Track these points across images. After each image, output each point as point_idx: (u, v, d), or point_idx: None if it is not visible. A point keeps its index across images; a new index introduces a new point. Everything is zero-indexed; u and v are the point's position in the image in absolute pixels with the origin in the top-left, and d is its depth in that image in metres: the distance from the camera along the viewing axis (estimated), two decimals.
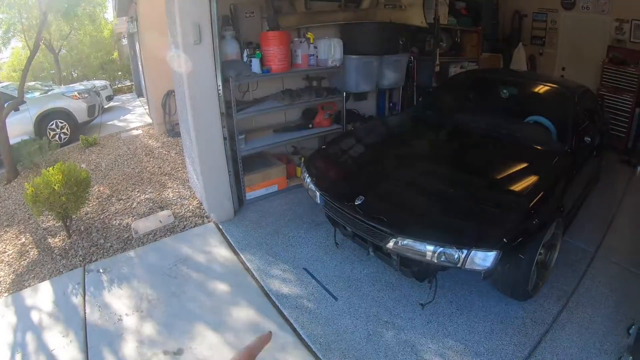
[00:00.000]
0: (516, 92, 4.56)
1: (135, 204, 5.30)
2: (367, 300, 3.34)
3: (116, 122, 11.19)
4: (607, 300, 3.34)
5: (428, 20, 5.72)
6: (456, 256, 2.61)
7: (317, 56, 4.96)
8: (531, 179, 3.14)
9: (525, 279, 3.03)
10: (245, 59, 4.46)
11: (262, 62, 4.49)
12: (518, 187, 3.09)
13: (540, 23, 8.29)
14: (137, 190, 5.76)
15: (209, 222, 4.63)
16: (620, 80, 6.76)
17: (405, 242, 2.78)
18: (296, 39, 4.83)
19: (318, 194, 3.44)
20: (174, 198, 5.36)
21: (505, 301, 3.29)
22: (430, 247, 2.68)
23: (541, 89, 4.53)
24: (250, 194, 4.84)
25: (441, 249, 2.65)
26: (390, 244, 2.84)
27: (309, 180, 3.62)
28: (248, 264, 3.84)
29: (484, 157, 3.75)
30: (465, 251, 2.60)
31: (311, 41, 4.80)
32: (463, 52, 7.34)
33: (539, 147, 3.75)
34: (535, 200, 2.89)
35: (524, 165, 3.41)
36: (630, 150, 6.61)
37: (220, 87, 4.15)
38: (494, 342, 2.93)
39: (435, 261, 2.68)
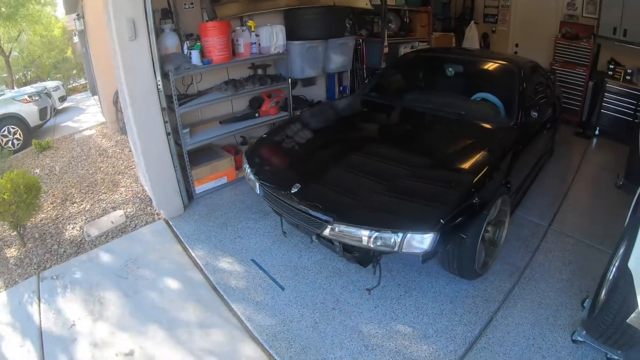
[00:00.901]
0: (463, 70, 4.52)
1: (89, 206, 5.16)
2: (314, 288, 3.31)
3: (70, 123, 10.86)
4: (561, 274, 3.37)
5: (375, 2, 5.65)
6: (392, 240, 2.56)
7: (259, 44, 4.83)
8: (474, 157, 3.10)
9: (471, 259, 2.99)
10: (185, 51, 4.32)
11: (202, 54, 4.36)
12: (459, 165, 3.06)
13: (493, 1, 8.33)
14: (91, 192, 5.60)
15: (159, 219, 4.52)
16: (573, 54, 6.86)
17: (341, 228, 2.71)
18: (238, 28, 4.70)
19: (257, 184, 3.34)
20: (127, 197, 5.24)
21: (456, 281, 3.29)
22: (365, 232, 2.62)
23: (489, 66, 4.51)
24: (199, 188, 4.74)
25: (377, 233, 2.59)
26: (327, 231, 2.77)
27: (249, 170, 3.51)
28: (197, 260, 3.77)
29: (429, 137, 3.71)
30: (400, 234, 2.54)
31: (252, 29, 4.68)
32: (413, 33, 7.31)
33: (485, 125, 3.73)
34: (476, 179, 2.85)
35: (469, 142, 3.40)
36: (585, 123, 6.72)
37: (160, 82, 4.01)
38: (443, 323, 2.93)
39: (372, 246, 2.62)
